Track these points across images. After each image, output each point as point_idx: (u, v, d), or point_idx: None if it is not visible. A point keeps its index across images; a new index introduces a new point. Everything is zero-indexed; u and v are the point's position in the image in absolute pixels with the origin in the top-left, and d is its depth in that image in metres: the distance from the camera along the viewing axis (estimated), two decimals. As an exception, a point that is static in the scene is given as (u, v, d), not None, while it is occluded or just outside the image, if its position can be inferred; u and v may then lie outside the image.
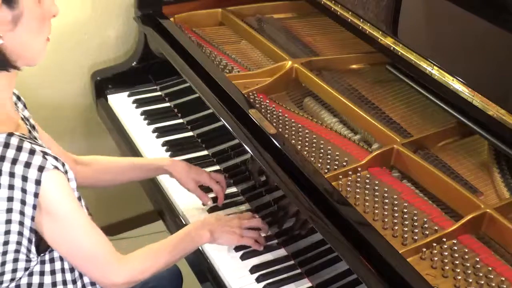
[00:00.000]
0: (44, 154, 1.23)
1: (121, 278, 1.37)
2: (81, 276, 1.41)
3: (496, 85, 1.58)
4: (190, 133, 2.04)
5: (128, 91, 2.23)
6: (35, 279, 1.36)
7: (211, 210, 1.74)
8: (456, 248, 1.38)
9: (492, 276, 1.33)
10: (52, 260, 1.36)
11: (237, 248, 1.60)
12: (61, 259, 1.37)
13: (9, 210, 1.23)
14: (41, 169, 1.21)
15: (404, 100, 1.83)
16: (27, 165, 1.20)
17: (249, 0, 2.30)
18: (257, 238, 1.59)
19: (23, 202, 1.22)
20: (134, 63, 2.29)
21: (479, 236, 1.43)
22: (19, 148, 1.21)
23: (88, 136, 2.47)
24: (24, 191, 1.21)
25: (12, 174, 1.21)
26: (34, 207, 1.22)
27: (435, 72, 1.60)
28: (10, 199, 1.22)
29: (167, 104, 2.17)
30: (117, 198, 2.51)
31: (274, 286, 1.51)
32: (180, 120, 2.09)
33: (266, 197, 1.67)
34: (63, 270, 1.38)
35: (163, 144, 1.98)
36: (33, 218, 1.24)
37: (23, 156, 1.21)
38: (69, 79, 2.36)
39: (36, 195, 1.21)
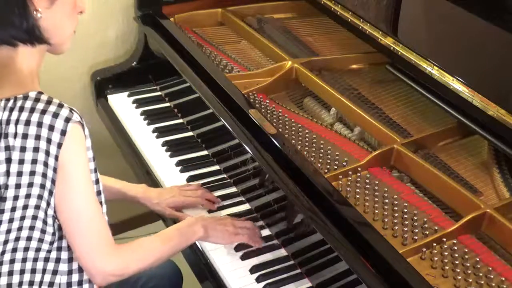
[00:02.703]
0: (71, 109, 1.29)
1: (109, 266, 1.37)
2: None
3: (496, 85, 1.59)
4: (190, 133, 2.04)
5: (128, 91, 2.23)
6: (50, 266, 1.37)
7: (212, 209, 1.74)
8: (456, 248, 1.38)
9: (492, 276, 1.33)
10: (69, 248, 1.37)
11: (237, 248, 1.60)
12: None
13: (34, 161, 1.28)
14: (67, 120, 1.27)
15: (404, 100, 1.83)
16: (55, 115, 1.27)
17: (249, 0, 2.30)
18: (252, 236, 1.59)
19: (47, 153, 1.27)
20: (134, 63, 2.29)
21: (479, 236, 1.43)
22: (48, 102, 1.29)
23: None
24: (49, 141, 1.26)
25: (40, 124, 1.26)
26: (56, 158, 1.27)
27: (435, 72, 1.60)
28: (35, 149, 1.27)
29: (167, 104, 2.17)
30: (115, 199, 2.51)
31: (274, 286, 1.51)
32: (180, 120, 2.09)
33: (266, 197, 1.67)
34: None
35: (163, 144, 1.98)
36: (55, 170, 1.28)
37: (52, 108, 1.27)
38: (69, 79, 2.36)
39: (59, 145, 1.26)
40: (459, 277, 1.33)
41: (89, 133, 1.34)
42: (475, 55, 1.68)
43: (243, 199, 1.77)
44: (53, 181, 1.29)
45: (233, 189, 1.81)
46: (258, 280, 1.52)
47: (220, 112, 1.75)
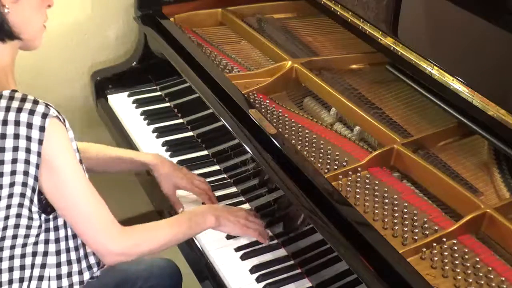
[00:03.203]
0: (47, 104, 1.29)
1: (118, 247, 1.38)
2: (83, 244, 1.42)
3: (496, 85, 1.59)
4: (190, 133, 2.04)
5: (128, 91, 2.23)
6: (40, 248, 1.37)
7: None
8: (456, 248, 1.38)
9: (492, 276, 1.33)
10: (56, 228, 1.37)
11: (237, 248, 1.60)
12: (65, 226, 1.38)
13: (14, 161, 1.27)
14: (44, 116, 1.26)
15: (404, 100, 1.83)
16: (31, 112, 1.26)
17: (249, 0, 2.30)
18: (262, 231, 1.60)
19: (28, 151, 1.26)
20: (134, 63, 2.29)
21: (479, 236, 1.43)
22: (23, 99, 1.28)
23: (88, 135, 2.46)
24: (29, 138, 1.26)
25: (17, 123, 1.25)
26: (39, 154, 1.26)
27: (435, 72, 1.60)
28: (15, 148, 1.26)
29: (167, 104, 2.17)
30: (117, 198, 2.51)
31: (274, 286, 1.51)
32: (180, 120, 2.09)
33: (266, 197, 1.67)
34: (66, 238, 1.39)
35: (163, 144, 1.98)
36: (37, 166, 1.27)
37: (27, 105, 1.27)
38: (69, 79, 2.36)
39: (40, 142, 1.26)
40: (459, 277, 1.33)
41: (69, 125, 1.33)
42: (475, 55, 1.68)
43: (243, 199, 1.77)
44: (35, 178, 1.28)
45: (233, 189, 1.81)
46: (258, 280, 1.52)
47: (220, 112, 1.75)
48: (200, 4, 2.27)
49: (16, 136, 1.26)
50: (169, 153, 1.95)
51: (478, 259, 1.36)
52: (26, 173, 1.28)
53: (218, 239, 1.63)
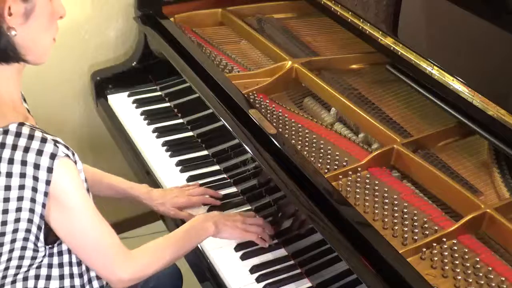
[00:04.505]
0: (56, 142, 1.25)
1: (127, 273, 1.38)
2: (88, 270, 1.41)
3: (496, 85, 1.59)
4: (190, 133, 2.04)
5: (128, 91, 2.22)
6: (43, 271, 1.36)
7: (211, 209, 1.73)
8: (456, 248, 1.38)
9: (492, 276, 1.33)
10: (60, 253, 1.37)
11: (237, 248, 1.60)
12: (69, 252, 1.37)
13: (20, 198, 1.24)
14: (53, 156, 1.23)
15: (404, 100, 1.83)
16: (39, 152, 1.22)
17: (249, 0, 2.30)
18: (261, 234, 1.59)
19: (34, 190, 1.24)
20: (134, 63, 2.29)
21: (479, 236, 1.43)
22: (30, 137, 1.23)
23: (88, 136, 2.47)
24: (36, 179, 1.23)
25: (24, 163, 1.22)
26: (46, 194, 1.24)
27: (435, 72, 1.60)
28: (21, 187, 1.23)
29: (167, 104, 2.17)
30: (117, 198, 2.51)
31: (274, 286, 1.51)
32: (180, 120, 2.09)
33: (266, 197, 1.67)
34: (70, 264, 1.38)
35: (163, 144, 1.98)
36: (43, 205, 1.25)
37: (35, 144, 1.23)
38: (69, 79, 2.36)
39: (48, 182, 1.23)
40: (459, 277, 1.33)
41: (78, 157, 1.30)
42: (475, 55, 1.68)
43: (243, 199, 1.77)
44: (41, 216, 1.26)
45: (233, 189, 1.81)
46: (258, 280, 1.52)
47: (220, 112, 1.75)
48: (200, 4, 2.27)
49: (23, 175, 1.23)
50: (169, 153, 1.95)
51: (478, 259, 1.36)
52: (32, 211, 1.26)
53: (218, 239, 1.62)
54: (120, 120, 2.13)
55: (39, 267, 1.36)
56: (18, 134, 1.23)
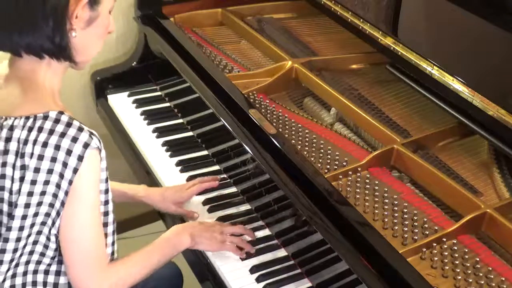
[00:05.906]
0: (91, 133, 1.28)
1: (103, 285, 1.37)
2: None
3: (496, 85, 1.59)
4: (190, 133, 2.04)
5: (128, 91, 2.23)
6: (50, 279, 1.37)
7: (211, 209, 1.74)
8: (456, 248, 1.39)
9: (492, 276, 1.33)
10: None
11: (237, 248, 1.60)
12: None
13: (46, 182, 1.27)
14: (86, 145, 1.26)
15: (404, 100, 1.83)
16: (74, 139, 1.26)
17: (249, 0, 2.30)
18: (240, 243, 1.58)
19: (61, 176, 1.26)
20: (134, 63, 2.29)
21: (479, 236, 1.43)
22: (68, 124, 1.27)
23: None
24: (65, 165, 1.25)
25: (57, 147, 1.25)
26: (70, 182, 1.26)
27: (435, 72, 1.60)
28: (50, 171, 1.26)
29: (167, 104, 2.17)
30: (117, 199, 2.52)
31: (274, 286, 1.51)
32: (180, 120, 2.09)
33: (266, 197, 1.67)
34: None
35: (163, 144, 1.98)
36: (66, 193, 1.27)
37: (71, 131, 1.26)
38: (69, 79, 2.35)
39: (75, 170, 1.26)
40: (459, 277, 1.33)
41: (105, 154, 1.33)
42: (475, 55, 1.68)
43: (243, 199, 1.77)
44: (62, 203, 1.28)
45: (233, 189, 1.81)
46: (258, 280, 1.52)
47: (220, 112, 1.75)
48: (200, 4, 2.27)
49: (53, 160, 1.25)
50: (169, 153, 1.95)
51: (478, 259, 1.36)
52: (55, 196, 1.28)
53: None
54: (120, 120, 2.13)
55: (46, 272, 1.36)
56: (56, 121, 1.27)
